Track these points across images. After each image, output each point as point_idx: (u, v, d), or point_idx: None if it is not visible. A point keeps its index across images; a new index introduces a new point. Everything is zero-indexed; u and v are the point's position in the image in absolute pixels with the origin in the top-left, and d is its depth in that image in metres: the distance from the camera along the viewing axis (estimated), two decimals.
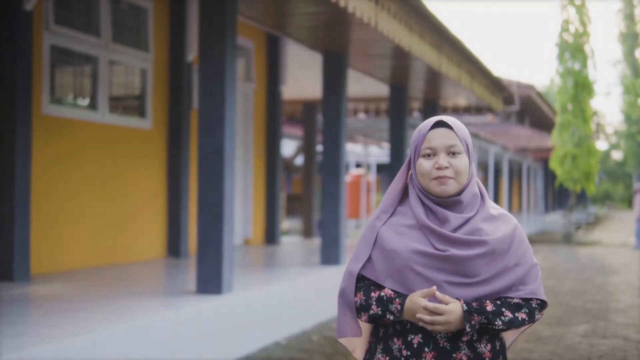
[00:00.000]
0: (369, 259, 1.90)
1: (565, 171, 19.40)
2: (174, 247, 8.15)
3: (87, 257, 6.97)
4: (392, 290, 1.86)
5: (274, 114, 10.42)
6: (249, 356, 5.40)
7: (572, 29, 19.40)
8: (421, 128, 1.92)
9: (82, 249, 6.93)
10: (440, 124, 1.88)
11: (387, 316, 1.84)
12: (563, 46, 19.43)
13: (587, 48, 19.41)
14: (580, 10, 19.33)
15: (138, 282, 6.39)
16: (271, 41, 10.26)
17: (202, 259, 5.34)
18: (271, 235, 10.42)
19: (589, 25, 19.42)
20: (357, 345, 2.00)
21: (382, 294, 1.86)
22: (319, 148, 12.72)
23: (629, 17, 43.27)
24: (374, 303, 1.86)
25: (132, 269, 7.12)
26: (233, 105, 5.45)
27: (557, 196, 38.68)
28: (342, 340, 1.99)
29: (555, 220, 26.86)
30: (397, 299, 1.83)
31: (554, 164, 19.74)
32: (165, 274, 7.23)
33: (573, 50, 19.26)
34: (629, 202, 47.34)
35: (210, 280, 5.29)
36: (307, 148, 13.65)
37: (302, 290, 6.78)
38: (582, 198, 36.04)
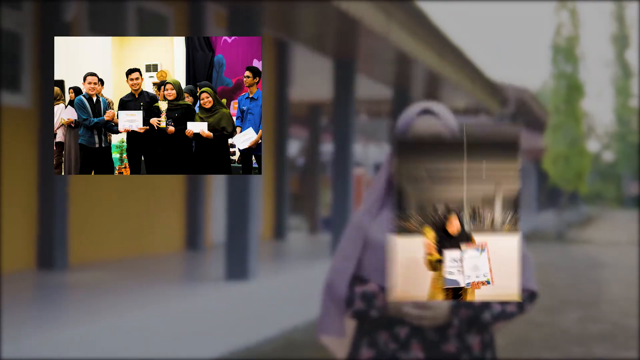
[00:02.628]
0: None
1: (558, 171, 19.94)
2: (192, 240, 8.61)
3: (119, 248, 7.47)
4: (376, 284, 1.73)
5: (282, 116, 10.81)
6: (271, 338, 5.91)
7: (564, 32, 19.97)
8: (406, 116, 1.79)
9: (114, 240, 7.43)
10: (426, 112, 1.78)
11: (371, 312, 1.73)
12: (556, 49, 20.00)
13: (578, 51, 19.97)
14: (573, 14, 19.90)
15: (167, 270, 6.92)
16: (280, 46, 10.69)
17: (230, 249, 5.84)
18: (279, 231, 10.85)
19: (580, 28, 19.97)
20: (339, 345, 1.87)
21: (366, 288, 1.74)
22: (323, 148, 13.18)
23: (620, 19, 43.98)
24: (358, 298, 1.75)
25: (158, 259, 7.61)
26: None
27: (550, 195, 39.27)
28: (324, 340, 1.87)
29: (548, 219, 27.41)
30: (381, 294, 1.70)
31: (547, 165, 20.27)
32: (191, 264, 7.76)
33: (566, 53, 19.82)
34: (619, 202, 48.05)
35: (238, 268, 5.80)
36: (311, 148, 14.17)
37: (317, 280, 7.28)
38: (574, 197, 36.65)
